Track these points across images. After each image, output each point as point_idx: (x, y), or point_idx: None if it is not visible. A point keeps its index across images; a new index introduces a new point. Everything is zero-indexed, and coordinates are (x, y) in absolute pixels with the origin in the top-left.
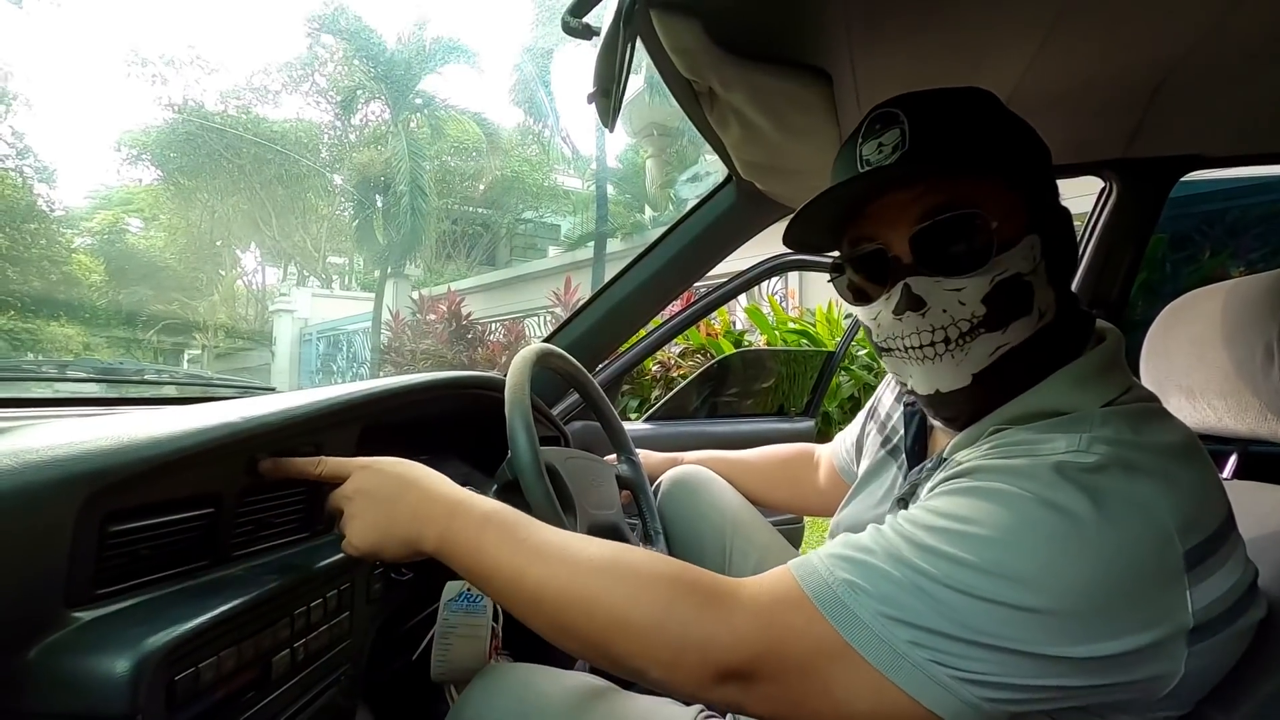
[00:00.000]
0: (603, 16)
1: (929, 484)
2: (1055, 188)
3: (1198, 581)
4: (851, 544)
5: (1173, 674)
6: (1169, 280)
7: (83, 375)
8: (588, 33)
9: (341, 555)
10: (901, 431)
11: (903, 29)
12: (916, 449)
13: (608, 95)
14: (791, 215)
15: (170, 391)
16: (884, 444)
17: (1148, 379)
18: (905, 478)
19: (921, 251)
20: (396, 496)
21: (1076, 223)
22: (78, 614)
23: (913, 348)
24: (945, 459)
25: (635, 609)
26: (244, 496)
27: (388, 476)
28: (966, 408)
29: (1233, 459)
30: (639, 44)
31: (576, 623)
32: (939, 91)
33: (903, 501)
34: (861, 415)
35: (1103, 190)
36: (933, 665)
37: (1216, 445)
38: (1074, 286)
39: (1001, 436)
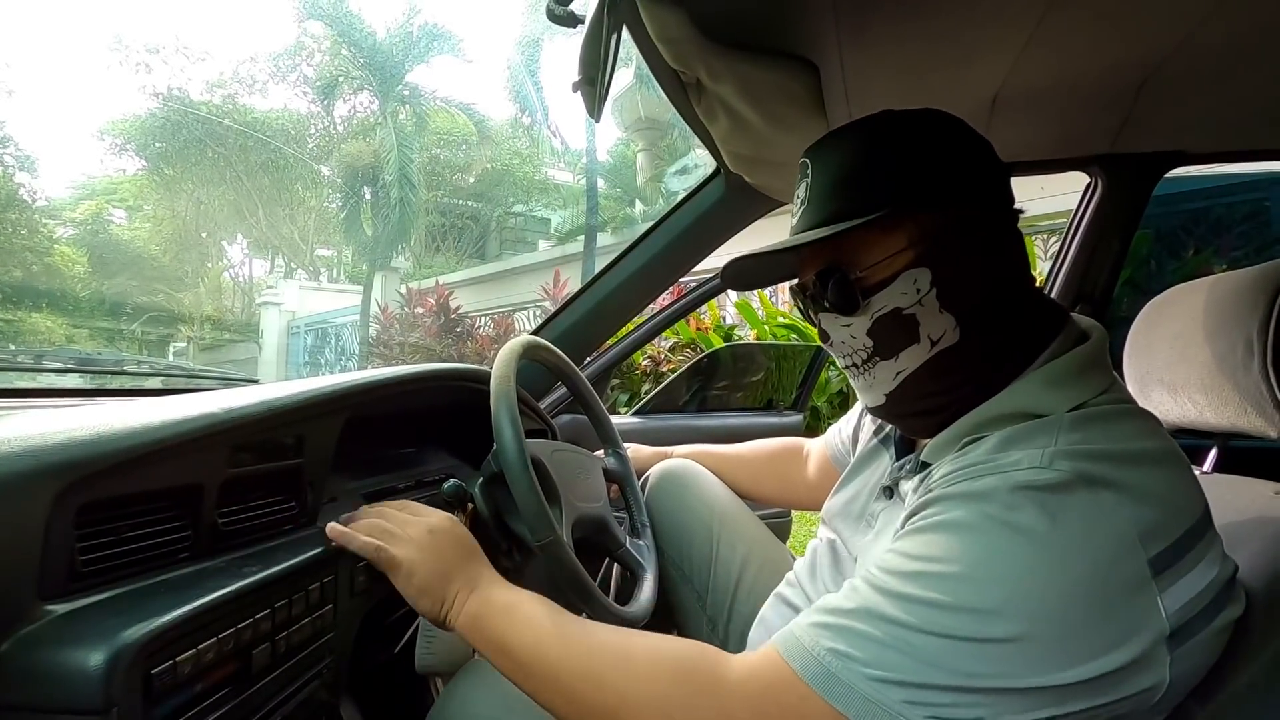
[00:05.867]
0: (588, 4)
1: (908, 484)
2: (980, 202)
3: (1167, 586)
4: (830, 609)
5: (1160, 683)
6: (1154, 277)
7: (59, 365)
8: (572, 20)
9: (322, 549)
10: None
11: (889, 21)
12: (905, 440)
13: (593, 84)
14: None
15: (150, 383)
16: (876, 433)
17: (1130, 374)
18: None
19: (817, 296)
20: (464, 555)
21: (1058, 221)
22: (52, 606)
23: (843, 367)
24: (924, 463)
25: (639, 692)
26: (226, 488)
27: (462, 535)
28: (903, 419)
29: (1213, 453)
30: (625, 33)
31: (588, 698)
32: (846, 131)
33: (888, 490)
34: (859, 405)
35: (1088, 186)
36: None
37: (1198, 439)
38: (1057, 282)
39: (967, 452)
